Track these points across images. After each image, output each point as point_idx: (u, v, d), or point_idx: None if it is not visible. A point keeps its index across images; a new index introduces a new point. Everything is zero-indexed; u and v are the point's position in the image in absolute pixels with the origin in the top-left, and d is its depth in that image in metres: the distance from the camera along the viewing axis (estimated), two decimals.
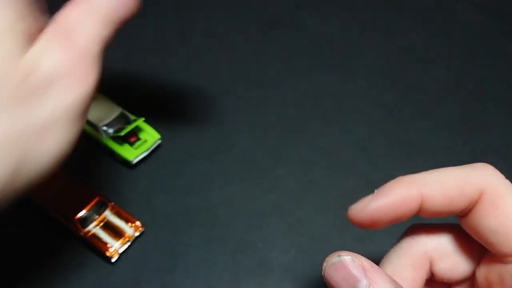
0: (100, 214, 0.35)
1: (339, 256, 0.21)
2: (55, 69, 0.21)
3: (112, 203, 0.36)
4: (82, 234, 0.34)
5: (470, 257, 0.21)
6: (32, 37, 0.21)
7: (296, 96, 0.45)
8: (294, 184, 0.39)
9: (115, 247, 0.34)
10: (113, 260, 0.34)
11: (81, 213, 0.34)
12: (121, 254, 0.34)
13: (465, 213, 0.21)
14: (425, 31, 0.51)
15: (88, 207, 0.35)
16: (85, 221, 0.34)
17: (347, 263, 0.20)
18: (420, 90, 0.46)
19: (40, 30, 0.22)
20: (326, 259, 0.21)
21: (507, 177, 0.40)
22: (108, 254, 0.33)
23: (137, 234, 0.35)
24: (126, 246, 0.34)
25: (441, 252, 0.23)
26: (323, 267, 0.21)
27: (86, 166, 0.40)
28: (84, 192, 0.36)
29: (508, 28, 0.52)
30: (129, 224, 0.35)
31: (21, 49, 0.21)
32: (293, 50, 0.49)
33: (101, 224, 0.35)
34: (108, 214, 0.35)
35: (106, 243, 0.34)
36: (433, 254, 0.23)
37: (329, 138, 0.42)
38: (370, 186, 0.38)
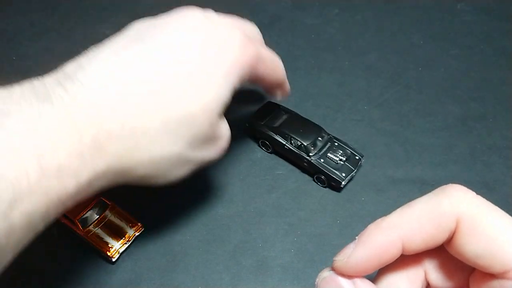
0: (100, 214, 0.35)
1: (330, 270, 0.22)
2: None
3: (113, 203, 0.36)
4: (82, 234, 0.34)
5: (463, 266, 0.21)
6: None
7: (296, 96, 0.45)
8: (294, 184, 0.39)
9: (115, 247, 0.34)
10: (113, 260, 0.34)
11: (82, 213, 0.34)
12: (121, 254, 0.34)
13: (447, 241, 0.21)
14: (425, 31, 0.51)
15: (88, 207, 0.35)
16: (86, 221, 0.34)
17: (337, 277, 0.21)
18: (420, 90, 0.46)
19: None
20: (318, 274, 0.22)
21: (507, 177, 0.40)
22: (108, 254, 0.33)
23: (137, 234, 0.35)
24: (126, 246, 0.34)
25: (435, 262, 0.23)
26: (315, 283, 0.22)
27: None
28: None
29: (508, 28, 0.52)
30: (129, 224, 0.35)
31: (219, 113, 0.29)
32: (292, 50, 0.49)
33: (102, 224, 0.35)
34: (109, 214, 0.35)
35: (106, 243, 0.34)
36: (427, 264, 0.23)
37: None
38: (370, 186, 0.38)
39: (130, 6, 0.54)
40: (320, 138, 0.39)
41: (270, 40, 0.51)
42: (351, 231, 0.36)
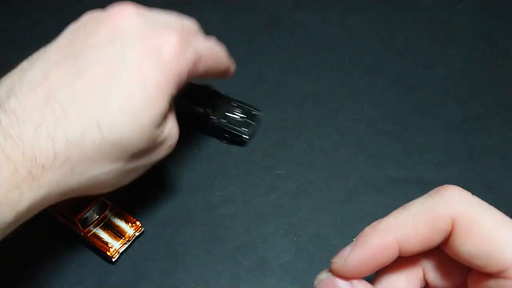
0: (100, 214, 0.35)
1: (328, 272, 0.22)
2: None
3: (113, 203, 0.36)
4: (82, 234, 0.34)
5: (461, 265, 0.22)
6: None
7: (296, 96, 0.45)
8: (294, 184, 0.39)
9: (115, 247, 0.34)
10: (113, 260, 0.34)
11: (82, 213, 0.34)
12: (121, 254, 0.34)
13: (444, 243, 0.21)
14: (425, 32, 0.51)
15: (88, 207, 0.35)
16: (86, 221, 0.34)
17: (335, 279, 0.22)
18: (420, 90, 0.46)
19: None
20: (316, 276, 0.23)
21: (507, 177, 0.40)
22: (108, 254, 0.33)
23: (137, 234, 0.35)
24: (126, 246, 0.34)
25: (433, 261, 0.23)
26: (314, 285, 0.22)
27: None
28: None
29: (508, 28, 0.52)
30: (129, 224, 0.35)
31: (157, 125, 0.28)
32: (293, 50, 0.50)
33: (102, 224, 0.35)
34: (109, 214, 0.35)
35: (106, 243, 0.34)
36: (425, 264, 0.23)
37: (329, 138, 0.42)
38: (370, 186, 0.39)
39: None
40: (219, 102, 0.41)
41: (271, 40, 0.52)
42: (351, 231, 0.35)
